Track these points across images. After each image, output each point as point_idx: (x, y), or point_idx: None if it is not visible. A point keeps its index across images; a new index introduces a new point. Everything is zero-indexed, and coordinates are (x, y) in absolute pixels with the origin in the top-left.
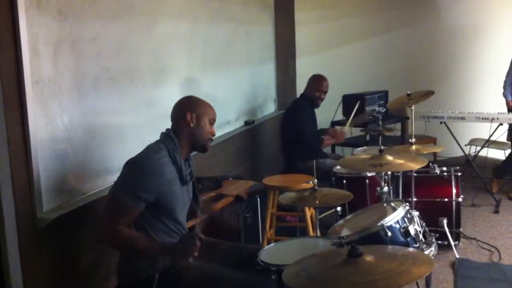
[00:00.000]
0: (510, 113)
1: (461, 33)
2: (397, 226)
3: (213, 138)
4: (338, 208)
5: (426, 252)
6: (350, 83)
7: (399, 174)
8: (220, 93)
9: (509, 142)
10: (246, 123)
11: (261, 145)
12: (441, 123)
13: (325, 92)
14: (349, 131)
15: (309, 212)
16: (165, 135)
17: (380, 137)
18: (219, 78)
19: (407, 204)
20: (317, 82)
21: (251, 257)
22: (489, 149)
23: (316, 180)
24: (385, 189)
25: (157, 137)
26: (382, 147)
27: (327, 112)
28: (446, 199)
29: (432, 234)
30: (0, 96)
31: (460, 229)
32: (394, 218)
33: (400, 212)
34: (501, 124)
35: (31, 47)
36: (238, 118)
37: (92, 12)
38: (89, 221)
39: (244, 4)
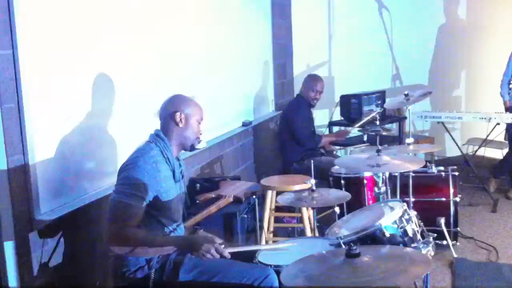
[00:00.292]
0: (507, 112)
1: (458, 33)
2: (395, 226)
3: (201, 137)
4: (336, 209)
5: (424, 252)
6: (347, 84)
7: (397, 174)
8: (218, 94)
9: (507, 142)
10: (244, 124)
11: (259, 146)
12: (438, 123)
13: (320, 92)
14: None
15: (307, 213)
16: (155, 136)
17: (378, 137)
18: (216, 79)
19: (405, 204)
20: (312, 82)
21: (249, 258)
22: (487, 148)
23: (314, 181)
24: (383, 189)
25: None
26: (380, 147)
27: (324, 113)
28: (444, 199)
29: (430, 233)
30: None
31: (458, 228)
32: (391, 218)
33: (398, 212)
34: (498, 124)
35: (29, 49)
36: (236, 119)
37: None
38: (86, 223)
39: (241, 5)
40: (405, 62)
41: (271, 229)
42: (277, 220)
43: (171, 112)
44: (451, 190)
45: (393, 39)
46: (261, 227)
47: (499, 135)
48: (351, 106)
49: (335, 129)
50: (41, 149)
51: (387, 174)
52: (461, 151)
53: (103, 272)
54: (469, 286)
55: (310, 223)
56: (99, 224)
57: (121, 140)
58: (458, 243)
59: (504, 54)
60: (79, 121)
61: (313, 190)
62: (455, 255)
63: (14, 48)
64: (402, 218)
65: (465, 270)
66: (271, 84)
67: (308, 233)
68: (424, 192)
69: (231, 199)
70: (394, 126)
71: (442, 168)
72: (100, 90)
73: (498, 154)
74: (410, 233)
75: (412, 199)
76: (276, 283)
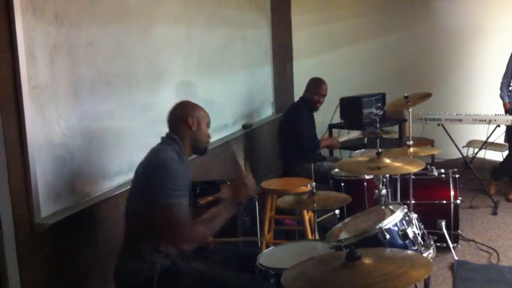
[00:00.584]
0: (507, 114)
1: (458, 35)
2: (396, 228)
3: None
4: (337, 211)
5: (425, 255)
6: (347, 86)
7: (397, 176)
8: (217, 97)
9: (507, 144)
10: (244, 126)
11: (259, 149)
12: (438, 125)
13: (324, 96)
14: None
15: (307, 216)
16: (170, 139)
17: (378, 140)
18: (216, 82)
19: (405, 206)
20: (316, 86)
21: (250, 261)
22: (487, 151)
23: (314, 183)
24: (383, 191)
25: (154, 141)
26: (380, 150)
27: (324, 115)
28: (444, 201)
29: (431, 236)
30: None
31: (459, 231)
32: (392, 220)
33: (398, 214)
34: (498, 126)
35: (27, 52)
36: (236, 122)
37: (88, 17)
38: (87, 226)
39: (240, 8)
40: (405, 64)
41: (272, 231)
42: (277, 222)
43: (184, 117)
44: (452, 193)
45: (393, 41)
46: (262, 230)
47: (499, 137)
48: (351, 108)
49: (335, 131)
50: (42, 152)
51: (387, 177)
52: (461, 154)
53: (104, 275)
54: None
55: (310, 226)
56: (100, 226)
57: (121, 142)
58: (459, 246)
59: (504, 56)
60: (80, 123)
61: (313, 193)
62: (456, 258)
63: (14, 49)
64: (403, 221)
65: (466, 273)
66: (270, 86)
67: (309, 235)
68: (424, 195)
69: None
70: (394, 129)
71: (442, 170)
72: (99, 92)
73: (498, 156)
74: (411, 236)
75: (413, 202)
76: None
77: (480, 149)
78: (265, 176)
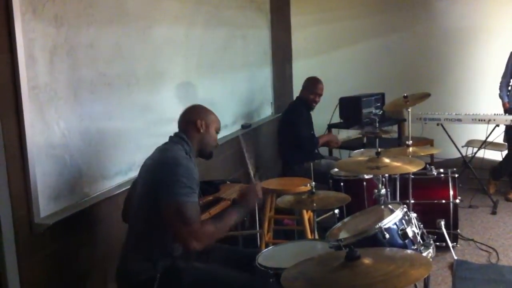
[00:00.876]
0: (507, 114)
1: (457, 35)
2: (395, 228)
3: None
4: (336, 211)
5: (424, 254)
6: (346, 86)
7: (397, 176)
8: (217, 97)
9: (506, 143)
10: (243, 126)
11: (258, 149)
12: (437, 125)
13: (320, 95)
14: (346, 133)
15: (307, 215)
16: (179, 138)
17: (377, 140)
18: (215, 82)
19: (405, 206)
20: (312, 85)
21: (249, 261)
22: (486, 150)
23: (313, 183)
24: (383, 191)
25: (154, 142)
26: (379, 150)
27: (324, 115)
28: (444, 201)
29: (430, 236)
30: None
31: (458, 230)
32: (391, 220)
33: (398, 214)
34: (497, 126)
35: (27, 52)
36: (235, 121)
37: (88, 18)
38: (86, 226)
39: (240, 8)
40: (404, 64)
41: (271, 231)
42: (276, 222)
43: (193, 119)
44: (451, 192)
45: (392, 41)
46: (261, 229)
47: (498, 137)
48: (350, 108)
49: (334, 131)
50: (41, 152)
51: (386, 176)
52: (461, 153)
53: (104, 275)
54: None
55: (310, 226)
56: (100, 226)
57: (121, 143)
58: (458, 245)
59: (503, 56)
60: (79, 124)
61: (312, 193)
62: (455, 257)
63: (13, 49)
64: (402, 220)
65: (466, 272)
66: (270, 87)
67: (308, 235)
68: (424, 194)
69: (230, 202)
70: (393, 129)
71: (441, 170)
72: (99, 93)
73: (498, 156)
74: (410, 235)
75: (412, 201)
76: None
77: (479, 148)
78: (264, 176)
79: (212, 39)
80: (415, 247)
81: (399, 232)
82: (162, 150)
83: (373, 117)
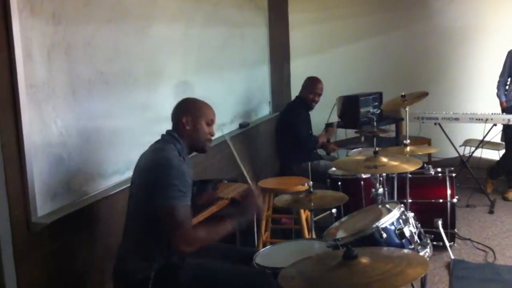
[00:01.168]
0: (504, 113)
1: (454, 34)
2: (392, 227)
3: (212, 138)
4: (333, 210)
5: (421, 253)
6: (344, 85)
7: (394, 175)
8: (215, 95)
9: (503, 143)
10: (241, 125)
11: (256, 148)
12: (435, 124)
13: (319, 95)
14: (344, 132)
15: (304, 214)
16: (170, 136)
17: (375, 139)
18: (213, 81)
19: (402, 205)
20: (311, 84)
21: (247, 260)
22: (483, 149)
23: (311, 182)
24: (380, 190)
25: (152, 140)
26: (377, 149)
27: (321, 114)
28: (441, 200)
29: (427, 235)
30: None
31: (455, 230)
32: (389, 219)
33: (395, 213)
34: (495, 125)
35: (24, 51)
36: (233, 120)
37: (86, 16)
38: (84, 226)
39: (238, 7)
40: (402, 64)
41: (269, 230)
42: (274, 221)
43: (179, 116)
44: (448, 192)
45: (390, 40)
46: (259, 229)
47: (496, 136)
48: (348, 107)
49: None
50: (38, 151)
51: (384, 176)
52: (458, 153)
53: (101, 274)
54: None
55: (307, 225)
56: (97, 225)
57: (118, 141)
58: (455, 245)
59: (500, 55)
60: (77, 122)
61: (310, 192)
62: (452, 257)
63: (11, 47)
64: (400, 220)
65: (462, 271)
66: (268, 85)
67: (306, 234)
68: (421, 194)
69: (228, 201)
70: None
71: (439, 169)
72: (97, 91)
73: (495, 155)
74: (408, 235)
75: (410, 201)
76: None
77: (477, 148)
78: (262, 175)
79: (210, 38)
80: (412, 246)
81: (396, 231)
82: (156, 150)
83: (371, 116)
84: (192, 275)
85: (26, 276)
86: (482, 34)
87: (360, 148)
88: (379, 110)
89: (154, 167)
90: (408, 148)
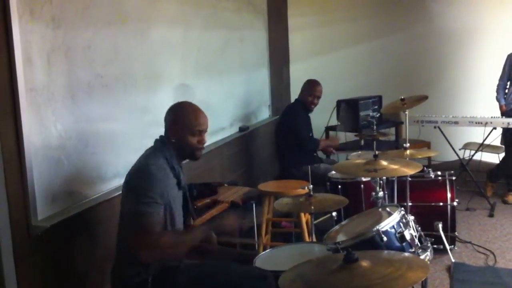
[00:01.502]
0: (503, 117)
1: (453, 37)
2: (393, 231)
3: (203, 146)
4: (334, 214)
5: (422, 257)
6: (344, 88)
7: (394, 178)
8: (214, 99)
9: (503, 146)
10: (241, 129)
11: (256, 151)
12: (435, 127)
13: (318, 97)
14: (344, 136)
15: (304, 218)
16: (160, 142)
17: (375, 142)
18: (213, 84)
19: (402, 208)
20: (311, 87)
21: (246, 261)
22: (483, 153)
23: (311, 186)
24: (380, 194)
25: (151, 144)
26: (377, 152)
27: (321, 117)
28: (441, 203)
29: (428, 238)
30: None
31: (455, 233)
32: (389, 223)
33: (395, 217)
34: (494, 128)
35: (24, 54)
36: (233, 124)
37: (85, 19)
38: (84, 229)
39: (237, 10)
40: (402, 67)
41: (269, 234)
42: (274, 225)
43: (169, 121)
44: (448, 195)
45: (389, 43)
46: (259, 232)
47: (496, 139)
48: (347, 111)
49: (332, 133)
50: (38, 154)
51: (384, 179)
52: (458, 156)
53: (101, 277)
54: None
55: (307, 228)
56: (97, 229)
57: (118, 145)
58: (455, 248)
59: (500, 58)
60: (76, 126)
61: (310, 195)
62: (452, 260)
63: (10, 51)
64: (400, 223)
65: (463, 275)
66: (267, 89)
67: (306, 238)
68: (421, 197)
69: (228, 205)
70: (391, 131)
71: (439, 172)
72: (96, 94)
73: (495, 158)
74: (408, 238)
75: (410, 204)
76: None
77: (477, 151)
78: (262, 179)
79: (210, 41)
80: (413, 249)
81: (397, 234)
82: (145, 156)
83: (371, 120)
84: (190, 278)
85: (26, 279)
86: (482, 37)
87: (359, 152)
88: (379, 114)
89: (133, 173)
90: (408, 152)
